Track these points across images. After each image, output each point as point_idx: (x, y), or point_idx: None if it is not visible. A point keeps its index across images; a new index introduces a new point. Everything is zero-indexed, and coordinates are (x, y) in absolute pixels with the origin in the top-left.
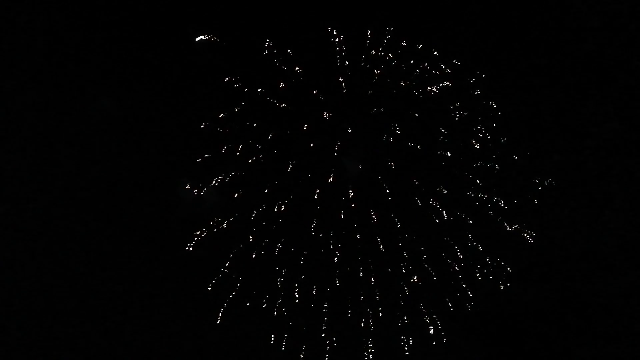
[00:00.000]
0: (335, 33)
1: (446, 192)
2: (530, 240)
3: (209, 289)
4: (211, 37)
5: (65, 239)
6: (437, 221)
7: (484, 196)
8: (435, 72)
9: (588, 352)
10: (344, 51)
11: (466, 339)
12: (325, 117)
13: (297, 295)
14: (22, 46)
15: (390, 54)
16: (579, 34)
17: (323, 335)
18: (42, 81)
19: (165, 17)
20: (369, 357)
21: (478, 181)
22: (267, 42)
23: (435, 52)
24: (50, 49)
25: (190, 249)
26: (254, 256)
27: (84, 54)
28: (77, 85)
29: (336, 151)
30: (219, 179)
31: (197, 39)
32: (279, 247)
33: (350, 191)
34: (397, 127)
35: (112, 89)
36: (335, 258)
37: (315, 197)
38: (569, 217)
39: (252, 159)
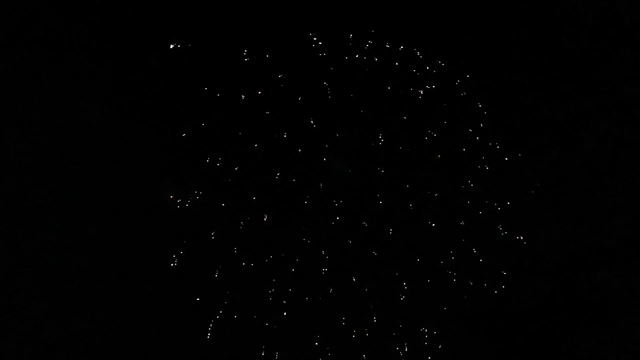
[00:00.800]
0: (315, 39)
1: (436, 194)
2: (521, 239)
3: (197, 299)
4: (182, 45)
5: (44, 244)
6: (432, 224)
7: (476, 195)
8: (420, 73)
9: (590, 348)
10: (326, 55)
11: (465, 340)
12: (311, 122)
13: (286, 304)
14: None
15: (375, 57)
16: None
17: (317, 344)
18: (25, 84)
19: (147, 21)
20: None
21: (469, 181)
22: (246, 50)
23: (419, 54)
24: (30, 51)
25: (175, 263)
26: (242, 264)
27: (66, 58)
28: (60, 89)
29: (324, 155)
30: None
31: (171, 46)
32: (268, 255)
33: (337, 196)
34: (385, 128)
35: (95, 93)
36: (325, 263)
37: (305, 202)
38: (565, 214)
39: (238, 164)
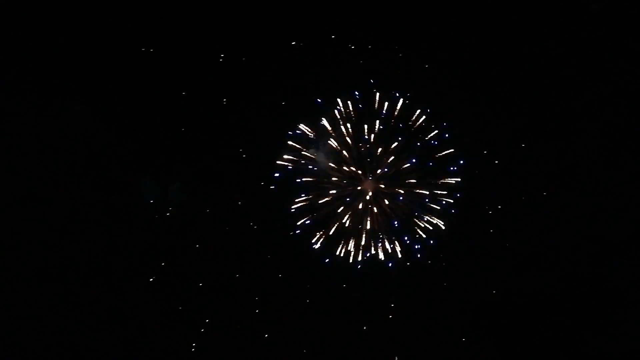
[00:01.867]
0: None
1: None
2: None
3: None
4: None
5: (23, 240)
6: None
7: (481, 189)
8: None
9: (597, 339)
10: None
11: (472, 333)
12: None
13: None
14: None
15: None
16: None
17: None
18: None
19: (128, 20)
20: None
21: (476, 171)
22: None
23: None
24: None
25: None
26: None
27: (46, 56)
28: (38, 87)
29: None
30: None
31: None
32: (251, 255)
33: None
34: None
35: (77, 90)
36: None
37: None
38: (570, 207)
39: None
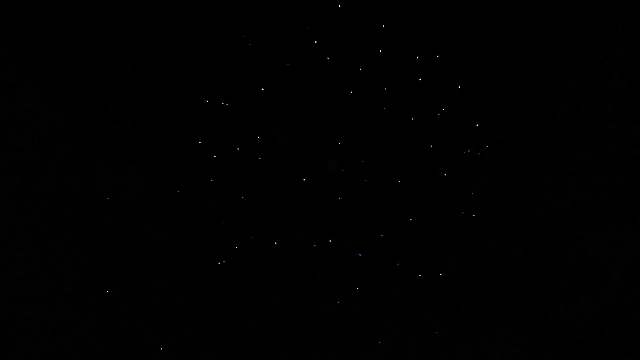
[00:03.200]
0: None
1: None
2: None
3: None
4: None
5: None
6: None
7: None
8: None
9: (576, 307)
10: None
11: (447, 308)
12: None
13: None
14: None
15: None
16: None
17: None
18: None
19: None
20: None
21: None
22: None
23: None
24: None
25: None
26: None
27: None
28: None
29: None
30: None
31: None
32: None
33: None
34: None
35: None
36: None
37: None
38: (545, 177)
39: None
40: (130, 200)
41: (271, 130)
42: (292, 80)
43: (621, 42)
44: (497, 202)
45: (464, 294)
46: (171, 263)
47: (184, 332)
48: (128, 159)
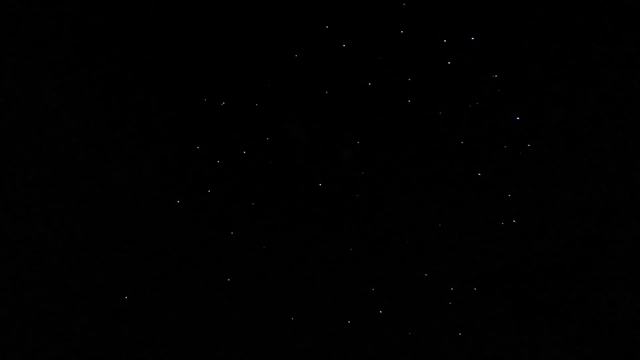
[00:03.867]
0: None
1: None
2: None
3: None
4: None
5: None
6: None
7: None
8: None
9: (605, 304)
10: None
11: (478, 301)
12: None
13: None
14: None
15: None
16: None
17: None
18: None
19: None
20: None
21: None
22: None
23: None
24: None
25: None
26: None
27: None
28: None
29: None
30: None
31: None
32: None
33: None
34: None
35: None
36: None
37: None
38: (574, 171)
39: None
40: (142, 198)
41: (286, 125)
42: (306, 76)
43: None
44: (532, 195)
45: (498, 288)
46: (182, 261)
47: (192, 331)
48: (141, 158)
